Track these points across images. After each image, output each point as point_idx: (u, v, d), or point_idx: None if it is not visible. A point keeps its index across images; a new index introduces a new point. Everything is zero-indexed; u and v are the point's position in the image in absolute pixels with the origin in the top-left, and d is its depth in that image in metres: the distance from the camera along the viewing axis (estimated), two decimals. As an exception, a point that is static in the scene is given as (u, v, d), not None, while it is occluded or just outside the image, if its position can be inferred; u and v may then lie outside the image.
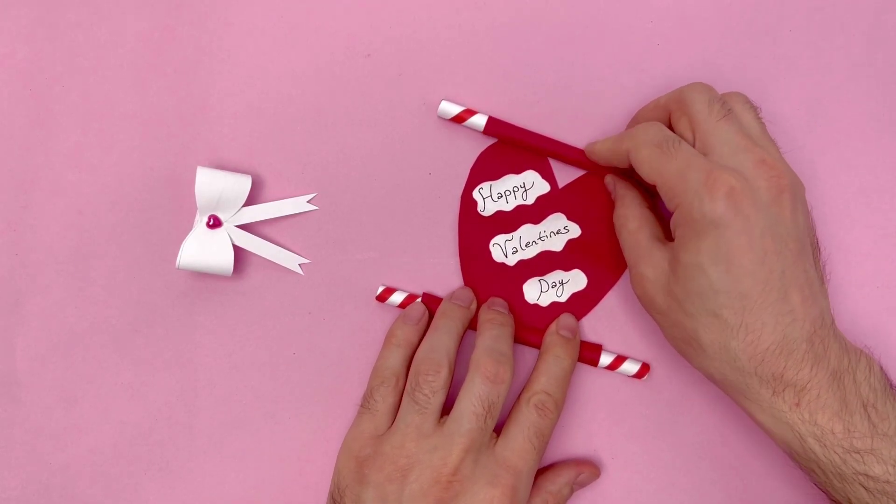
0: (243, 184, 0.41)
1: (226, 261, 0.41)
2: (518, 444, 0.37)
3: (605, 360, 0.42)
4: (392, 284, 0.43)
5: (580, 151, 0.42)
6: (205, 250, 0.41)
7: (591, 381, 0.43)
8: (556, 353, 0.41)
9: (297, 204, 0.43)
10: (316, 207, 0.43)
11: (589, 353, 0.42)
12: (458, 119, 0.42)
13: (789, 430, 0.35)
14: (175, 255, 0.42)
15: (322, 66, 0.43)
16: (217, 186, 0.41)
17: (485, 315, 0.41)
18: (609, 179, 0.42)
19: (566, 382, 0.40)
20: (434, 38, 0.43)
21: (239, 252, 0.42)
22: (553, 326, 0.42)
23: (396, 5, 0.43)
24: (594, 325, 0.43)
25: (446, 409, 0.38)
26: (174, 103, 0.43)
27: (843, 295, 0.42)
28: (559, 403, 0.39)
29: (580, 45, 0.43)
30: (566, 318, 0.42)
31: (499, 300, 0.43)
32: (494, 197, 0.43)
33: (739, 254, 0.34)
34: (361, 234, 0.43)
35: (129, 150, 0.43)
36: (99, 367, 0.43)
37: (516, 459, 0.37)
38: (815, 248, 0.37)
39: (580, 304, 0.43)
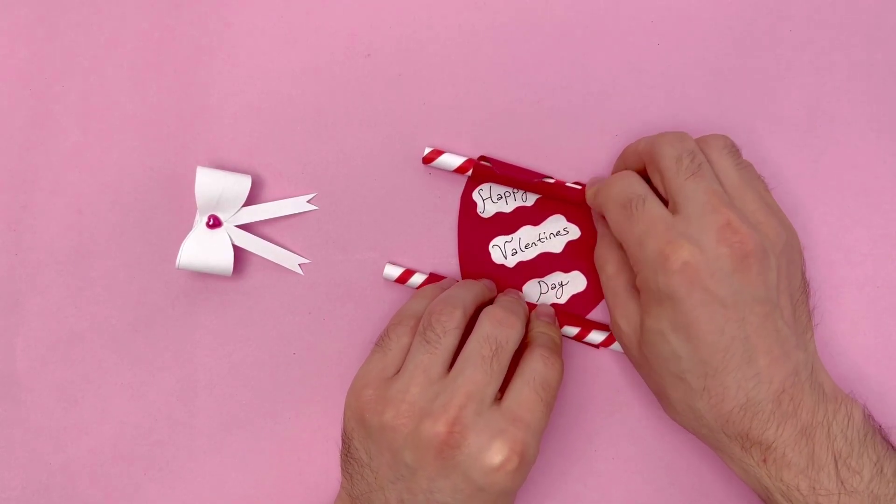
0: (243, 184, 0.41)
1: (226, 261, 0.41)
2: (525, 396, 0.36)
3: (597, 337, 0.42)
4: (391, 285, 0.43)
5: (563, 188, 0.42)
6: (205, 250, 0.41)
7: (591, 381, 0.43)
8: (540, 329, 0.40)
9: (297, 204, 0.43)
10: (316, 207, 0.43)
11: (583, 330, 0.42)
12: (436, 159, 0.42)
13: (758, 483, 0.36)
14: (175, 255, 0.42)
15: (322, 66, 0.43)
16: (217, 186, 0.41)
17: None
18: (595, 216, 0.42)
19: (559, 349, 0.39)
20: (434, 38, 0.43)
21: (239, 252, 0.42)
22: (532, 315, 0.42)
23: (396, 5, 0.43)
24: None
25: None
26: (174, 103, 0.43)
27: (844, 295, 0.42)
28: (560, 357, 0.38)
29: (580, 45, 0.43)
30: (542, 307, 0.42)
31: (514, 291, 0.42)
32: (494, 198, 0.43)
33: (697, 325, 0.34)
34: (361, 234, 0.43)
35: (129, 150, 0.43)
36: (99, 367, 0.43)
37: (524, 412, 0.35)
38: (803, 293, 0.37)
39: (579, 306, 0.43)
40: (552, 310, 0.42)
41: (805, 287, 0.38)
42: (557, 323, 0.42)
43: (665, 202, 0.37)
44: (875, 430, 0.36)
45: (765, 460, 0.35)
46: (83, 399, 0.43)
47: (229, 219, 0.42)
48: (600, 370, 0.43)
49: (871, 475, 0.34)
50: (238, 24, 0.43)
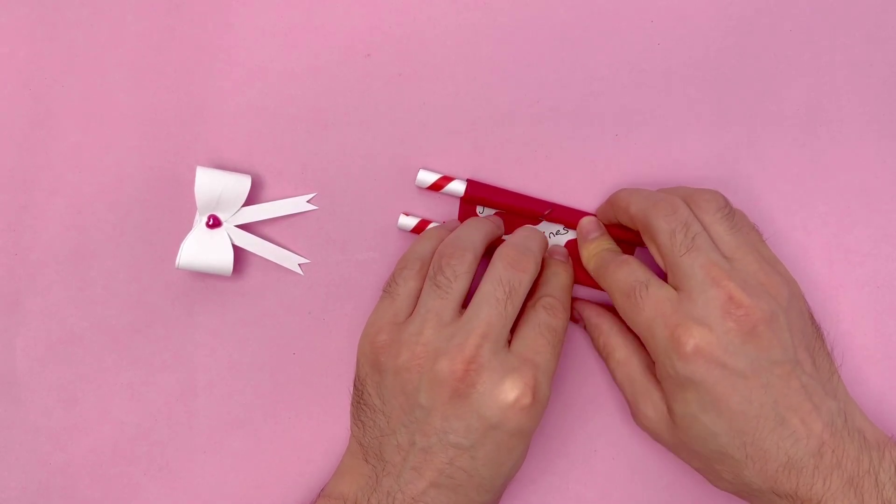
0: (243, 184, 0.41)
1: (225, 261, 0.41)
2: (532, 340, 0.36)
3: None
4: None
5: (547, 205, 0.42)
6: (204, 250, 0.41)
7: (591, 381, 0.43)
8: (553, 269, 0.40)
9: (297, 204, 0.43)
10: (316, 207, 0.43)
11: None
12: (436, 186, 0.42)
13: None
14: (175, 255, 0.42)
15: (322, 66, 0.43)
16: (217, 186, 0.41)
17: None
18: (578, 306, 0.42)
19: (569, 293, 0.40)
20: (434, 38, 0.43)
21: (239, 252, 0.42)
22: (546, 254, 0.41)
23: (396, 5, 0.43)
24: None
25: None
26: (174, 103, 0.43)
27: (844, 295, 0.42)
28: (566, 308, 0.39)
29: (580, 45, 0.43)
30: (557, 248, 0.42)
31: (530, 227, 0.41)
32: (494, 197, 0.43)
33: (724, 400, 0.35)
34: (361, 234, 0.43)
35: (129, 150, 0.43)
36: (99, 367, 0.43)
37: (532, 354, 0.36)
38: (817, 338, 0.37)
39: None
40: (565, 250, 0.42)
41: (818, 332, 0.38)
42: (570, 262, 0.41)
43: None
44: None
45: None
46: (83, 399, 0.43)
47: (229, 219, 0.42)
48: (601, 370, 0.43)
49: None
50: (238, 24, 0.43)
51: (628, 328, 0.39)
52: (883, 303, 0.42)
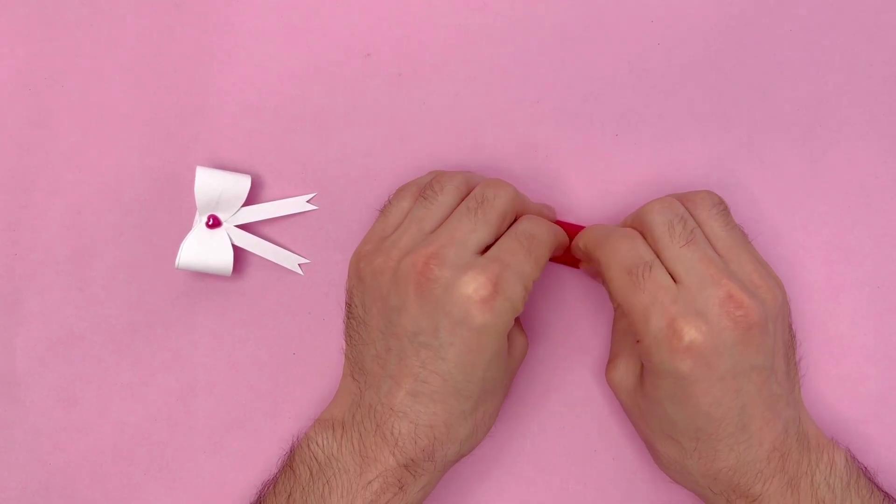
0: (243, 184, 0.41)
1: (225, 261, 0.41)
2: (506, 245, 0.36)
3: None
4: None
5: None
6: (204, 250, 0.41)
7: (591, 382, 0.43)
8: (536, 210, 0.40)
9: (297, 204, 0.43)
10: (316, 207, 0.43)
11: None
12: None
13: None
14: (174, 255, 0.42)
15: (322, 66, 0.43)
16: (216, 186, 0.41)
17: None
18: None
19: (552, 222, 0.39)
20: (434, 38, 0.43)
21: (238, 252, 0.42)
22: None
23: (396, 5, 0.43)
24: (594, 322, 0.43)
25: None
26: (174, 103, 0.43)
27: (844, 295, 0.42)
28: (550, 226, 0.38)
29: (580, 45, 0.43)
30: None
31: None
32: (494, 197, 0.43)
33: (696, 398, 0.34)
34: (361, 234, 0.43)
35: (129, 150, 0.43)
36: (99, 367, 0.43)
37: (503, 254, 0.35)
38: (791, 346, 0.38)
39: (580, 305, 0.43)
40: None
41: (793, 341, 0.38)
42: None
43: None
44: (860, 472, 0.36)
45: None
46: (83, 399, 0.43)
47: (229, 219, 0.42)
48: (601, 370, 0.43)
49: None
50: (238, 24, 0.43)
51: None
52: (883, 303, 0.42)
